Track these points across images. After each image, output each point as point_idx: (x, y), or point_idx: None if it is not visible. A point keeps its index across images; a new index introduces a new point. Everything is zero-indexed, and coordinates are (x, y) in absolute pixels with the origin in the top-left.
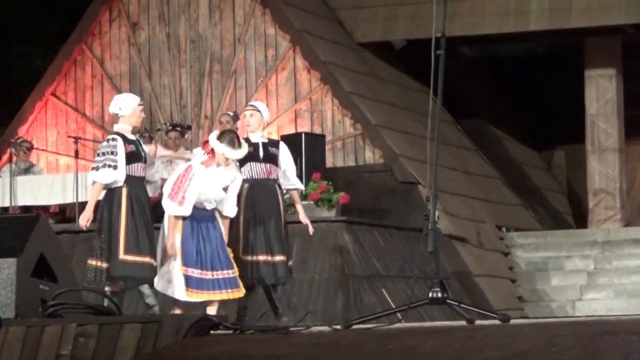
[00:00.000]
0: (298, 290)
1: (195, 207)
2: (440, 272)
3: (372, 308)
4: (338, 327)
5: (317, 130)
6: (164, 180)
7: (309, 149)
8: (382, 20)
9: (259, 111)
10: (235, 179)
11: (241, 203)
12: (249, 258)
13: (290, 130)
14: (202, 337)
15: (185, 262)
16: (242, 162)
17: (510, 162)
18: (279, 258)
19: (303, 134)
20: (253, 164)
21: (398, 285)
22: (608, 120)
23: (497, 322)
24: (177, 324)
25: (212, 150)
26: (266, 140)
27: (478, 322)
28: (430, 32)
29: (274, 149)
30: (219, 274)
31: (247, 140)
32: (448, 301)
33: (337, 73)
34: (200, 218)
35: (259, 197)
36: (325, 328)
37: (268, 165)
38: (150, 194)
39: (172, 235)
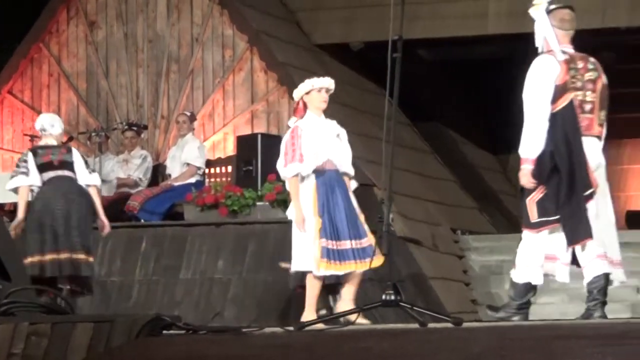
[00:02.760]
0: (252, 291)
1: (318, 169)
2: (394, 274)
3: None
4: (291, 328)
5: (274, 131)
6: (119, 180)
7: (265, 150)
8: (340, 22)
9: None
10: (339, 133)
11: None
12: None
13: (246, 131)
14: (155, 337)
15: (321, 234)
16: None
17: (466, 165)
18: None
19: (259, 135)
20: None
21: None
22: None
23: (450, 325)
24: (130, 323)
25: (304, 105)
26: None
27: (431, 325)
28: (388, 35)
29: None
30: (353, 244)
31: None
32: (401, 304)
33: (295, 74)
34: (327, 180)
35: None
36: (279, 329)
37: None
38: (105, 193)
39: (298, 206)
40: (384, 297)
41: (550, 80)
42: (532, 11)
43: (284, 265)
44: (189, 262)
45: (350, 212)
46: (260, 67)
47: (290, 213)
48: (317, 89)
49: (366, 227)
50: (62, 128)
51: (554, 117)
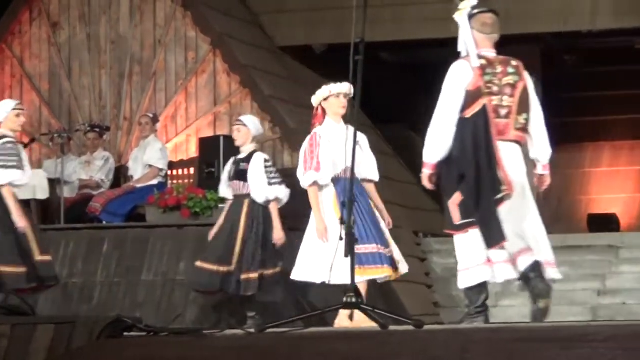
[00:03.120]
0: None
1: (338, 177)
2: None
3: (288, 312)
4: (252, 330)
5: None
6: (81, 181)
7: (227, 152)
8: (303, 25)
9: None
10: (359, 140)
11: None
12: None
13: (209, 133)
14: (116, 338)
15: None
16: None
17: None
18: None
19: (222, 137)
20: None
21: (314, 290)
22: None
23: (411, 327)
24: (91, 325)
25: (323, 111)
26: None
27: (392, 327)
28: (351, 38)
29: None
30: (380, 249)
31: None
32: (362, 306)
33: (257, 77)
34: (346, 188)
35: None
36: (239, 331)
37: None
38: (67, 194)
39: (319, 215)
40: (345, 299)
41: (461, 86)
42: (456, 16)
43: (200, 264)
44: (151, 263)
45: (372, 219)
46: (223, 70)
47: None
48: (335, 94)
49: (388, 235)
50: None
51: (465, 123)
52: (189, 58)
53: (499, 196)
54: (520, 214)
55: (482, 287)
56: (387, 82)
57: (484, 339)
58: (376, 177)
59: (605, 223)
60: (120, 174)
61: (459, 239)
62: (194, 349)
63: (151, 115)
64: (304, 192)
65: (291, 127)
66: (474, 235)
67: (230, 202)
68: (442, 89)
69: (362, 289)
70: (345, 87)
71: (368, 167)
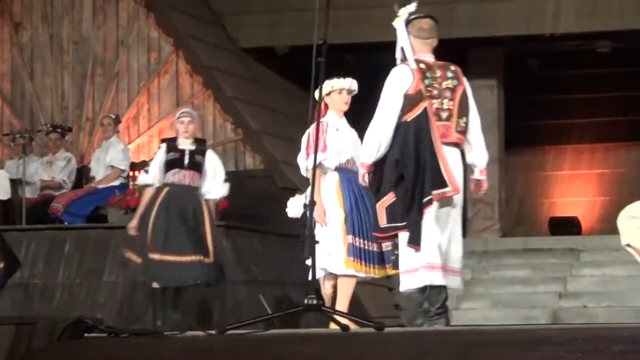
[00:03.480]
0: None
1: (341, 167)
2: (317, 279)
3: (249, 313)
4: (213, 332)
5: (198, 134)
6: (43, 182)
7: None
8: (266, 26)
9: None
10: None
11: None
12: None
13: (171, 134)
14: (77, 339)
15: (348, 229)
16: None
17: None
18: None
19: None
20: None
21: (275, 292)
22: (488, 130)
23: (372, 330)
24: (51, 326)
25: (326, 106)
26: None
27: (353, 329)
28: (313, 39)
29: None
30: (376, 247)
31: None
32: (323, 308)
33: (220, 78)
34: (352, 178)
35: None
36: (200, 333)
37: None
38: (29, 195)
39: (320, 199)
40: (306, 301)
41: (400, 90)
42: (394, 23)
43: (129, 254)
44: (112, 265)
45: (375, 214)
46: (186, 71)
47: (292, 208)
48: (337, 90)
49: None
50: None
51: (407, 126)
52: (151, 59)
53: (427, 199)
54: (445, 219)
55: (442, 287)
56: None
57: (445, 342)
58: None
59: (566, 226)
60: (82, 175)
61: (402, 239)
62: (155, 350)
63: (113, 116)
64: (260, 194)
65: (253, 129)
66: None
67: (167, 190)
68: (382, 93)
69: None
70: (348, 83)
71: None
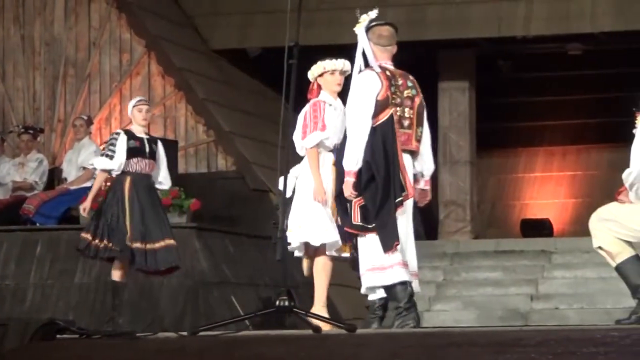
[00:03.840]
0: (147, 295)
1: (336, 147)
2: (289, 280)
3: (221, 315)
4: (185, 333)
5: (170, 136)
6: (15, 183)
7: None
8: (238, 28)
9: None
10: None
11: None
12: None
13: None
14: (49, 341)
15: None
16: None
17: None
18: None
19: (157, 140)
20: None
21: (247, 293)
22: (460, 133)
23: (343, 331)
24: (23, 327)
25: (318, 87)
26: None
27: (325, 331)
28: (285, 41)
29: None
30: None
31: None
32: (295, 310)
33: (192, 79)
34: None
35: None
36: (172, 334)
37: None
38: (1, 196)
39: (319, 177)
40: (278, 303)
41: (372, 95)
42: (355, 29)
43: (85, 235)
44: (84, 266)
45: None
46: (158, 72)
47: (291, 184)
48: (329, 71)
49: None
50: None
51: (374, 131)
52: (123, 60)
53: (398, 200)
54: (403, 222)
55: (406, 283)
56: None
57: (416, 344)
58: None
59: (538, 228)
60: (54, 176)
61: (371, 239)
62: (126, 351)
63: (85, 117)
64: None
65: (225, 130)
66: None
67: (130, 179)
68: (351, 99)
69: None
70: (340, 64)
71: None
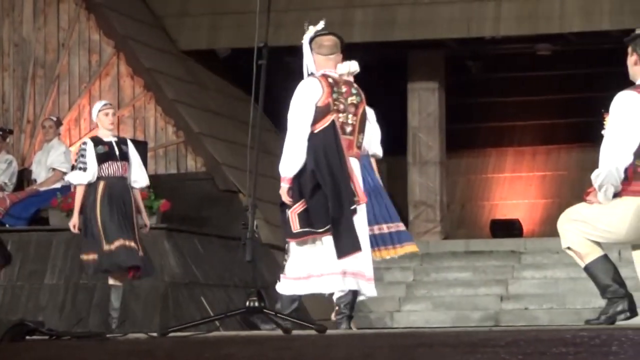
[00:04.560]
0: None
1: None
2: (259, 281)
3: (191, 316)
4: (155, 334)
5: (140, 137)
6: None
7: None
8: (206, 29)
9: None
10: (368, 113)
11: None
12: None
13: None
14: (18, 342)
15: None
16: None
17: None
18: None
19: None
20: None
21: (217, 294)
22: (429, 133)
23: (314, 332)
24: None
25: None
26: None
27: (295, 332)
28: (254, 42)
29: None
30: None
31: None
32: (265, 310)
33: (161, 80)
34: (365, 164)
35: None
36: (142, 335)
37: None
38: None
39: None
40: (248, 303)
41: (311, 101)
42: (303, 40)
43: (83, 257)
44: (54, 267)
45: (376, 195)
46: (127, 73)
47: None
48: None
49: (394, 210)
50: None
51: (315, 137)
52: (92, 61)
53: (352, 206)
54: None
55: (297, 297)
56: (291, 86)
57: (387, 344)
58: (380, 152)
59: (507, 229)
60: (24, 177)
61: (294, 248)
62: (96, 352)
63: (55, 119)
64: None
65: (195, 131)
66: (310, 247)
67: (104, 183)
68: (292, 104)
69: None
70: (346, 67)
71: (375, 142)
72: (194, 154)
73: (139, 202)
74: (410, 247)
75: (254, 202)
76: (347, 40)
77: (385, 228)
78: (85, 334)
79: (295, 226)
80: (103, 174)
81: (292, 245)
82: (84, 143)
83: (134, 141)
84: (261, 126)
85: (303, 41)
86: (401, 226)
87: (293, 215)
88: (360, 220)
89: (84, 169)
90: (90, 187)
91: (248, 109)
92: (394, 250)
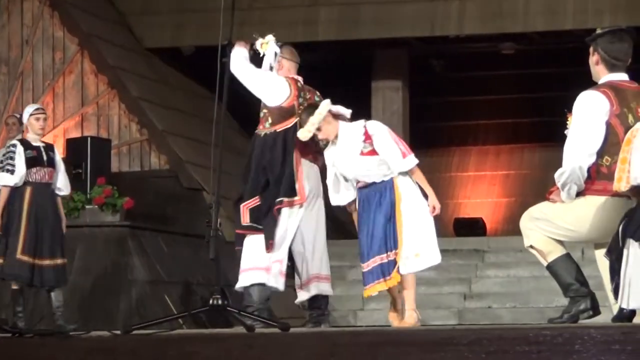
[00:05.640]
0: (80, 295)
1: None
2: (222, 279)
3: (155, 314)
4: (118, 332)
5: (104, 134)
6: None
7: (94, 153)
8: (171, 27)
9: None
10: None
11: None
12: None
13: (76, 134)
14: None
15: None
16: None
17: None
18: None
19: (89, 138)
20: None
21: (181, 292)
22: (393, 131)
23: (277, 330)
24: None
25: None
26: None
27: (259, 330)
28: (218, 40)
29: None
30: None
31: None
32: (228, 308)
33: (125, 78)
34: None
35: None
36: (105, 333)
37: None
38: None
39: (432, 191)
40: (211, 301)
41: (279, 100)
42: (264, 48)
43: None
44: None
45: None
46: (91, 70)
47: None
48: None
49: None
50: None
51: (275, 135)
52: (56, 58)
53: (278, 200)
54: (307, 228)
55: (268, 288)
56: None
57: (350, 343)
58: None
59: (471, 227)
60: None
61: (247, 240)
62: (59, 350)
63: (18, 116)
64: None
65: (159, 129)
66: (259, 240)
67: (30, 189)
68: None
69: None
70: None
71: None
72: (158, 152)
73: (60, 210)
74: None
75: (218, 199)
76: (312, 38)
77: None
78: (49, 331)
79: (245, 219)
80: (30, 179)
81: (246, 239)
82: (13, 145)
83: (98, 139)
84: (225, 124)
85: (268, 49)
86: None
87: (245, 209)
88: (306, 219)
89: (12, 172)
90: (16, 191)
91: (212, 106)
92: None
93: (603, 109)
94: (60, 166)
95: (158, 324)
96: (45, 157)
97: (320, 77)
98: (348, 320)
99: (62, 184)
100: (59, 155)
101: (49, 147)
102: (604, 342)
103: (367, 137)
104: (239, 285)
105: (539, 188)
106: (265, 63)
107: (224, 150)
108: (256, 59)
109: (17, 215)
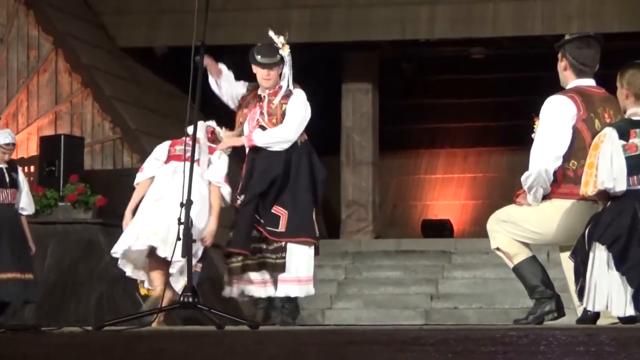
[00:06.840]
0: (52, 291)
1: None
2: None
3: (126, 311)
4: (90, 328)
5: (77, 132)
6: None
7: (67, 151)
8: (145, 27)
9: None
10: None
11: None
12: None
13: (49, 132)
14: None
15: None
16: None
17: None
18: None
19: (62, 136)
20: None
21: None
22: (363, 133)
23: (246, 328)
24: None
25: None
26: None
27: (228, 328)
28: (192, 40)
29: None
30: None
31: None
32: (199, 306)
33: (99, 77)
34: None
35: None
36: (77, 329)
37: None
38: None
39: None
40: (181, 299)
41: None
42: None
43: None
44: None
45: None
46: (65, 69)
47: None
48: None
49: None
50: None
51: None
52: (31, 57)
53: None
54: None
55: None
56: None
57: (317, 341)
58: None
59: (438, 229)
60: None
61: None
62: (31, 345)
63: None
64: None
65: (131, 128)
66: None
67: None
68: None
69: None
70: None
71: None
72: (130, 151)
73: (26, 229)
74: None
75: (189, 199)
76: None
77: None
78: (20, 326)
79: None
80: None
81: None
82: None
83: (71, 137)
84: (197, 124)
85: (287, 52)
86: None
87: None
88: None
89: None
90: None
91: (185, 106)
92: None
93: (570, 113)
94: (24, 186)
95: (129, 320)
96: (7, 179)
97: (293, 79)
98: (316, 319)
99: (25, 204)
100: (22, 175)
101: (12, 168)
102: (569, 343)
103: None
104: (307, 293)
105: (506, 191)
106: (287, 70)
107: (195, 150)
108: (237, 73)
109: None
